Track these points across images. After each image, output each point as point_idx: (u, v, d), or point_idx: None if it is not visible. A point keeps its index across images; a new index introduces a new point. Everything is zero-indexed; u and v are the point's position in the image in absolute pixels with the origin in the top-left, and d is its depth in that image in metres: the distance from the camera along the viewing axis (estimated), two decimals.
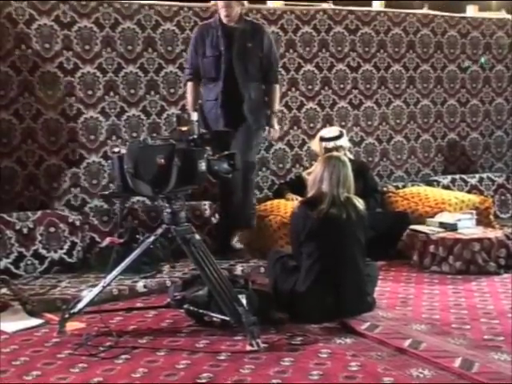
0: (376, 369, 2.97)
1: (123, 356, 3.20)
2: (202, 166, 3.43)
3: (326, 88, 6.02)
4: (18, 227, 4.64)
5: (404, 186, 6.11)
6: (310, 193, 3.85)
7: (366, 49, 6.19)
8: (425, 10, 6.63)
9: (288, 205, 5.12)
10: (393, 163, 6.40)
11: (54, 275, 4.58)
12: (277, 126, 5.18)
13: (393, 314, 3.76)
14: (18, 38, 4.83)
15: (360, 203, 3.80)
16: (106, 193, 5.01)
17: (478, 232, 4.92)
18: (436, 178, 6.41)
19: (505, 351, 3.12)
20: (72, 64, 5.01)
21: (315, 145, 5.38)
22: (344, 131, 5.48)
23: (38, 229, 4.68)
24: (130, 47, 5.21)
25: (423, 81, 6.48)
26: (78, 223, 4.82)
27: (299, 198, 5.06)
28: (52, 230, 4.71)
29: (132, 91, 5.23)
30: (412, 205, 5.60)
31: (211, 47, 4.81)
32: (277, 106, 5.13)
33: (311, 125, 5.97)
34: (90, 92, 5.08)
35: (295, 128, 5.92)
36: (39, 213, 4.75)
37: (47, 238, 4.69)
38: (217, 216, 5.22)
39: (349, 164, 3.85)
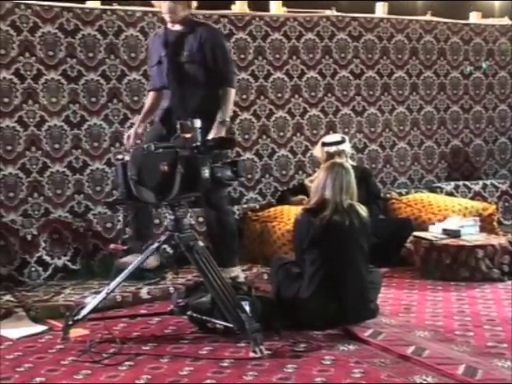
0: (379, 376, 2.96)
1: (127, 363, 3.20)
2: (206, 172, 3.42)
3: (329, 95, 6.03)
4: (21, 234, 4.65)
5: (407, 193, 6.11)
6: (313, 200, 3.86)
7: (369, 55, 6.20)
8: (428, 17, 6.64)
9: (291, 211, 5.12)
10: (396, 170, 6.40)
11: (58, 282, 4.59)
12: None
13: (396, 321, 3.75)
14: (22, 45, 4.85)
15: (363, 210, 3.80)
16: (110, 200, 5.03)
17: (482, 239, 4.91)
18: (439, 184, 6.41)
19: (508, 358, 3.11)
20: (76, 71, 5.03)
21: (317, 151, 5.39)
22: (346, 137, 5.49)
23: (41, 236, 4.70)
24: (133, 54, 5.23)
25: (426, 87, 6.49)
26: (81, 230, 4.83)
27: (306, 198, 5.05)
28: (56, 236, 4.72)
29: (135, 98, 5.24)
30: (415, 211, 5.60)
31: (155, 55, 4.50)
32: (228, 114, 4.44)
33: (314, 131, 5.97)
34: (93, 99, 5.10)
35: (298, 135, 5.93)
36: (43, 220, 4.77)
37: (51, 244, 4.71)
38: None
39: (352, 171, 3.85)
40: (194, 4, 4.52)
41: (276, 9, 5.93)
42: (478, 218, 5.21)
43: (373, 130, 6.26)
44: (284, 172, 5.89)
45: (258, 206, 5.58)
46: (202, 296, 3.70)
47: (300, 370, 3.06)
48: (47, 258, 4.68)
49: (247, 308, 3.46)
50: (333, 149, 5.23)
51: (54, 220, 4.78)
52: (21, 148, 4.86)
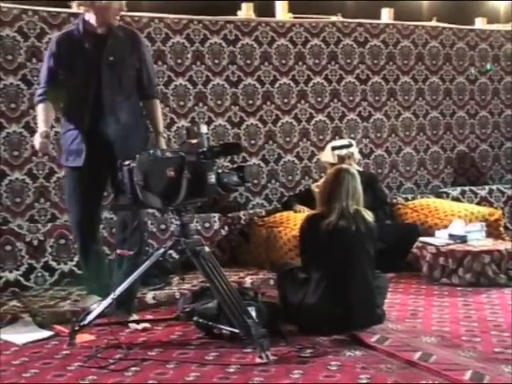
0: (386, 381, 2.96)
1: (133, 368, 3.20)
2: (212, 178, 3.43)
3: (336, 100, 6.04)
4: (28, 239, 4.66)
5: (413, 198, 6.10)
6: (319, 205, 3.86)
7: (375, 61, 6.21)
8: (433, 23, 6.64)
9: (297, 217, 5.11)
10: (402, 175, 6.39)
11: (64, 287, 4.59)
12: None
13: (402, 327, 3.75)
14: (29, 51, 4.87)
15: (369, 215, 3.80)
16: (116, 205, 5.03)
17: (488, 244, 4.90)
18: (445, 189, 6.41)
19: None
20: None
21: (326, 156, 5.39)
22: (353, 141, 5.50)
23: (48, 241, 4.70)
24: None
25: (432, 93, 6.49)
26: None
27: (307, 210, 5.07)
28: (62, 242, 4.73)
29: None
30: (421, 217, 5.59)
31: (78, 60, 3.86)
32: (162, 126, 4.20)
33: (320, 137, 5.98)
34: None
35: (304, 140, 5.93)
36: (49, 225, 4.78)
37: (57, 250, 4.71)
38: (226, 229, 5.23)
39: (358, 176, 3.85)
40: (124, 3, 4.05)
41: (282, 15, 5.95)
42: (484, 224, 5.20)
43: (379, 135, 6.26)
44: (290, 177, 5.89)
45: (264, 212, 5.58)
46: (208, 301, 3.71)
47: (306, 375, 3.06)
48: (53, 264, 4.68)
49: (253, 313, 3.46)
50: (344, 152, 5.26)
51: (61, 225, 4.78)
52: (27, 153, 4.88)
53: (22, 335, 3.63)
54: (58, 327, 3.82)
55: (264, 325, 3.40)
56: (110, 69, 3.88)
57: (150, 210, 4.92)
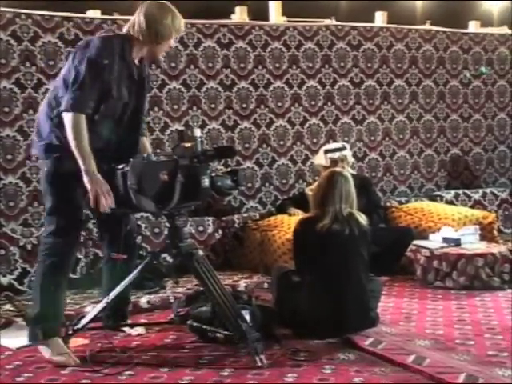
0: None
1: (127, 372, 3.20)
2: (206, 182, 3.42)
3: (329, 103, 6.05)
4: (21, 243, 4.65)
5: (407, 201, 6.11)
6: (313, 208, 3.86)
7: (369, 64, 6.22)
8: (427, 26, 6.67)
9: (291, 220, 5.12)
10: (396, 178, 6.41)
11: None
12: None
13: (396, 330, 3.75)
14: (22, 55, 4.86)
15: (363, 218, 3.80)
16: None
17: (482, 247, 4.91)
18: (439, 193, 6.42)
19: (509, 367, 3.11)
20: None
21: (319, 159, 5.41)
22: (346, 144, 5.51)
23: None
24: None
25: (426, 96, 6.50)
26: (81, 239, 4.81)
27: (301, 213, 5.08)
28: None
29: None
30: (415, 220, 5.60)
31: (123, 87, 3.49)
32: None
33: (314, 140, 5.98)
34: None
35: (298, 143, 5.93)
36: (43, 229, 4.76)
37: None
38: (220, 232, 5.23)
39: (351, 179, 3.86)
40: None
41: (276, 18, 5.96)
42: (478, 227, 5.21)
43: (373, 138, 6.27)
44: (284, 181, 5.89)
45: (258, 215, 5.58)
46: (203, 305, 3.71)
47: (300, 378, 3.06)
48: None
49: (247, 317, 3.45)
50: (337, 155, 5.27)
51: None
52: (21, 157, 4.87)
53: (15, 339, 3.62)
54: None
55: (258, 328, 3.41)
56: (139, 99, 3.62)
57: (144, 214, 4.92)
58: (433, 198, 6.24)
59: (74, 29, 5.03)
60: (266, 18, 5.96)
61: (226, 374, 3.15)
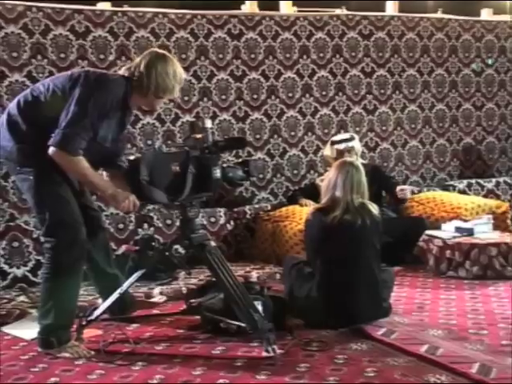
0: (392, 375, 2.96)
1: (140, 363, 3.21)
2: (217, 173, 3.44)
3: (340, 94, 6.03)
4: (35, 235, 4.67)
5: (419, 191, 6.09)
6: (324, 199, 3.85)
7: (380, 54, 6.19)
8: (439, 14, 6.62)
9: (303, 211, 5.12)
10: (408, 168, 6.38)
11: None
12: None
13: (409, 320, 3.74)
14: (34, 48, 4.88)
15: (374, 208, 3.79)
16: None
17: (495, 237, 4.89)
18: (452, 182, 6.39)
19: None
20: None
21: (327, 150, 5.40)
22: (355, 135, 5.49)
23: None
24: None
25: (438, 85, 6.47)
26: None
27: (312, 203, 5.07)
28: None
29: None
30: (428, 210, 5.58)
31: (111, 132, 3.43)
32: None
33: (325, 131, 5.97)
34: None
35: (309, 134, 5.92)
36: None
37: None
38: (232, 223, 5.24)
39: (362, 169, 3.84)
40: None
41: (286, 8, 5.93)
42: (491, 216, 5.19)
43: (384, 128, 6.25)
44: (295, 171, 5.89)
45: (269, 206, 5.58)
46: (215, 296, 3.71)
47: (313, 369, 3.06)
48: None
49: (260, 307, 3.46)
50: (342, 146, 5.24)
51: None
52: None
53: (30, 330, 3.64)
54: None
55: (270, 319, 3.41)
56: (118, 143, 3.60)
57: (156, 206, 4.94)
58: (445, 188, 6.22)
59: (84, 21, 5.04)
60: (277, 9, 5.94)
61: (238, 364, 3.16)
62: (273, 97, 5.75)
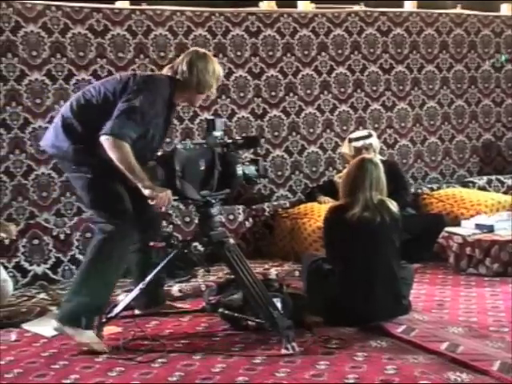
0: (412, 372, 2.94)
1: (160, 360, 3.23)
2: (240, 170, 3.52)
3: (359, 90, 6.00)
4: (55, 233, 4.71)
5: (439, 188, 6.05)
6: (343, 196, 3.84)
7: (399, 50, 6.15)
8: (458, 10, 6.56)
9: (322, 208, 5.10)
10: (427, 165, 6.34)
11: None
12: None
13: (429, 317, 3.73)
14: (53, 46, 4.91)
15: (394, 205, 3.77)
16: None
17: None
18: (471, 179, 6.34)
19: None
20: (106, 71, 5.07)
21: (345, 147, 5.38)
22: (373, 132, 5.46)
23: (74, 234, 4.75)
24: (162, 54, 5.26)
25: (457, 81, 6.42)
26: None
27: (331, 201, 5.05)
28: (88, 235, 4.75)
29: None
30: (447, 206, 5.55)
31: (158, 131, 3.59)
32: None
33: (344, 127, 5.95)
34: None
35: (328, 131, 5.90)
36: (75, 219, 4.82)
37: (84, 243, 4.75)
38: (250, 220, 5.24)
39: (381, 166, 3.82)
40: None
41: (304, 5, 5.92)
42: (511, 213, 5.14)
43: (403, 125, 6.22)
44: (314, 169, 5.87)
45: (288, 203, 5.58)
46: (234, 293, 3.72)
47: (332, 366, 3.06)
48: (80, 257, 4.71)
49: (279, 305, 3.46)
50: (360, 143, 5.22)
51: (87, 219, 4.82)
52: None
53: (50, 327, 3.66)
54: None
55: (289, 316, 3.41)
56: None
57: (174, 203, 4.94)
58: (465, 185, 6.17)
59: (103, 20, 5.06)
60: (294, 6, 5.92)
61: (257, 361, 3.16)
62: (291, 94, 5.74)
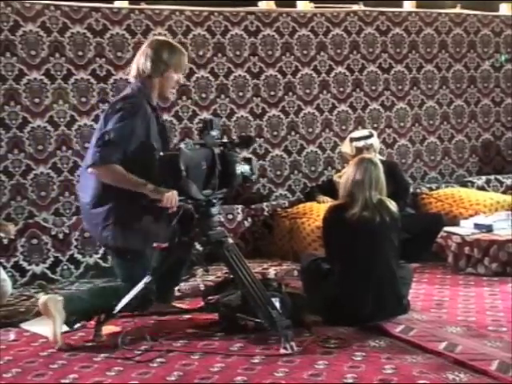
0: (411, 372, 2.94)
1: (158, 359, 3.22)
2: (239, 169, 3.54)
3: (358, 90, 6.00)
4: (53, 233, 4.72)
5: (438, 188, 6.05)
6: (342, 196, 3.84)
7: (398, 50, 6.16)
8: (457, 10, 6.56)
9: (321, 208, 5.10)
10: (426, 164, 6.35)
11: (90, 280, 4.64)
12: None
13: (428, 317, 3.73)
14: (52, 46, 4.91)
15: (393, 205, 3.77)
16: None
17: None
18: (470, 178, 6.34)
19: None
20: (105, 71, 5.07)
21: (346, 147, 5.38)
22: (374, 132, 5.46)
23: (73, 234, 4.75)
24: None
25: (456, 81, 6.42)
26: None
27: (330, 200, 5.05)
28: (87, 235, 4.76)
29: None
30: (446, 206, 5.55)
31: (151, 130, 3.55)
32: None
33: (343, 127, 5.95)
34: None
35: (327, 131, 5.90)
36: (74, 218, 4.82)
37: (82, 243, 4.76)
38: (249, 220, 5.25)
39: (380, 166, 3.82)
40: None
41: (303, 5, 5.92)
42: (510, 213, 5.14)
43: (402, 124, 6.22)
44: (313, 168, 5.87)
45: (287, 203, 5.58)
46: (233, 293, 3.71)
47: (331, 366, 3.06)
48: (79, 256, 4.73)
49: (277, 304, 3.46)
50: (361, 143, 5.21)
51: None
52: (52, 147, 4.93)
53: (49, 327, 3.66)
54: None
55: (288, 315, 3.41)
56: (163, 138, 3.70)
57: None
58: (464, 184, 6.18)
59: (102, 19, 5.06)
60: (293, 5, 5.92)
61: (256, 361, 3.16)
62: (290, 93, 5.74)
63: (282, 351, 3.23)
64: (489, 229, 4.85)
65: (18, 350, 3.45)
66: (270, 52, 5.65)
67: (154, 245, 3.53)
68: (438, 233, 4.94)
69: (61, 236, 4.74)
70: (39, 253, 4.66)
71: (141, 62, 3.59)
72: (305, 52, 5.78)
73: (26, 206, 4.84)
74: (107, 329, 3.59)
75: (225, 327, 3.64)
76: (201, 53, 5.40)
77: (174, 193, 3.37)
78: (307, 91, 5.81)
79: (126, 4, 5.29)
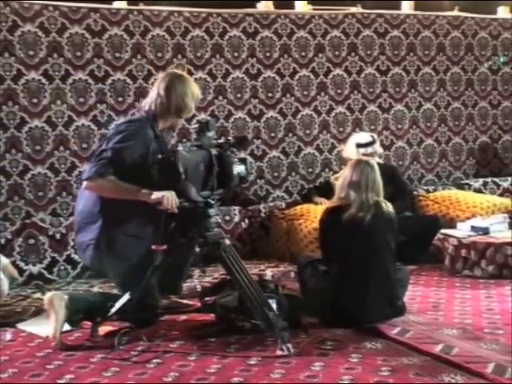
0: (407, 374, 2.95)
1: (155, 360, 3.23)
2: (235, 169, 3.55)
3: (356, 92, 6.01)
4: (51, 233, 4.72)
5: (435, 190, 6.06)
6: (339, 198, 3.85)
7: (396, 52, 6.16)
8: (455, 12, 6.58)
9: (318, 209, 5.10)
10: (423, 167, 6.35)
11: (87, 280, 4.64)
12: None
13: (424, 319, 3.73)
14: (50, 46, 4.91)
15: (389, 207, 3.78)
16: None
17: (511, 235, 4.85)
18: (467, 181, 6.35)
19: None
20: (103, 71, 5.07)
21: (351, 153, 5.23)
22: (375, 135, 5.47)
23: (70, 234, 4.74)
24: (159, 54, 5.26)
25: (454, 83, 6.43)
26: None
27: (327, 202, 5.05)
28: None
29: None
30: (443, 208, 5.55)
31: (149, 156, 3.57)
32: None
33: (341, 129, 5.95)
34: (120, 99, 5.14)
35: (324, 132, 5.91)
36: (71, 218, 4.81)
37: None
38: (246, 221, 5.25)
39: (377, 168, 3.83)
40: None
41: (301, 7, 5.92)
42: (507, 215, 5.16)
43: (400, 126, 6.22)
44: (310, 170, 5.88)
45: (284, 204, 5.58)
46: (230, 294, 3.72)
47: (327, 368, 3.06)
48: (76, 257, 4.72)
49: (274, 306, 3.46)
50: (369, 150, 5.20)
51: None
52: (49, 148, 4.92)
53: (45, 327, 3.66)
54: None
55: (285, 317, 3.41)
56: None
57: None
58: (461, 187, 6.18)
59: (100, 20, 5.06)
60: (292, 7, 5.93)
61: (253, 362, 3.16)
62: (288, 95, 5.75)
63: (279, 352, 3.24)
64: (485, 231, 4.86)
65: (15, 350, 3.45)
66: (268, 54, 5.66)
67: (153, 247, 3.53)
68: (435, 235, 4.95)
69: (58, 236, 4.74)
70: (36, 253, 4.66)
71: (162, 95, 3.60)
72: (303, 54, 5.79)
73: (24, 206, 4.84)
74: (104, 329, 3.59)
75: (221, 328, 3.64)
76: (199, 54, 5.41)
77: (173, 193, 3.38)
78: (305, 93, 5.81)
79: (124, 5, 5.30)
